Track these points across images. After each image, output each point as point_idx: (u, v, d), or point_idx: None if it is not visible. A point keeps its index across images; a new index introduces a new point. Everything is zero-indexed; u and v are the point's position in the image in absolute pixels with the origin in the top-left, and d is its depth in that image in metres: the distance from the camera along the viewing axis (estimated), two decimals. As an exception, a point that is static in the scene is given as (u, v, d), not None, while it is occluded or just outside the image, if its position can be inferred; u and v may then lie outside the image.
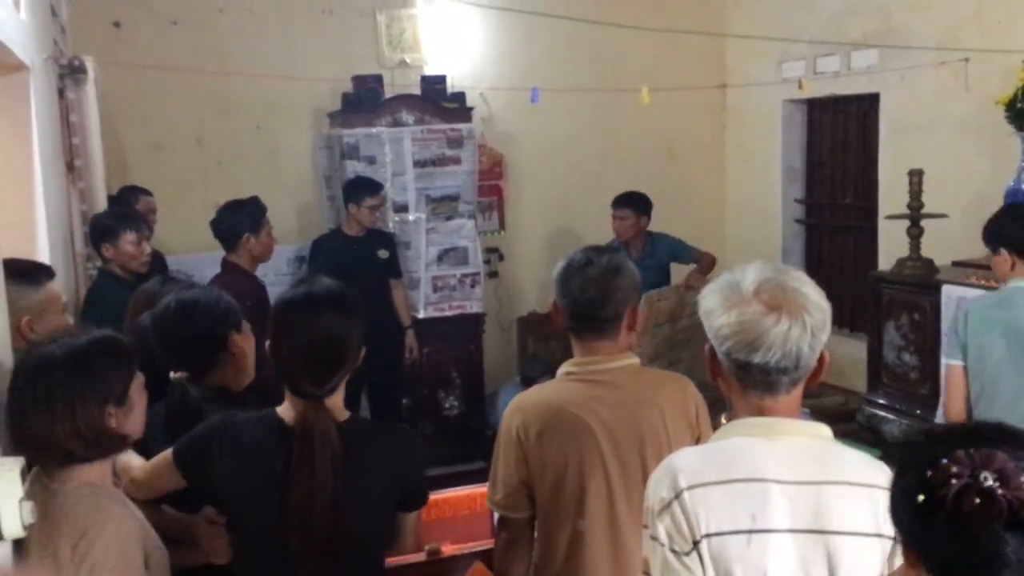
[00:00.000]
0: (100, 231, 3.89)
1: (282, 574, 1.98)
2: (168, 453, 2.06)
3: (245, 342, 2.37)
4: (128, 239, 3.86)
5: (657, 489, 1.56)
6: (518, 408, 2.24)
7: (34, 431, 1.78)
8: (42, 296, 2.53)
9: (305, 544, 1.94)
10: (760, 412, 1.58)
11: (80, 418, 1.78)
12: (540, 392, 2.29)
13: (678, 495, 1.52)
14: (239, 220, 4.21)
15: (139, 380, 1.91)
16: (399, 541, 2.18)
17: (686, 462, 1.58)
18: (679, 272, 5.75)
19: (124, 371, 1.87)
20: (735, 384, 1.60)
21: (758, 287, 1.54)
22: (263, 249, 4.31)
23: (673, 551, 1.51)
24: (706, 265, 5.62)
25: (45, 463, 1.82)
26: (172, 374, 2.29)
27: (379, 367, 5.01)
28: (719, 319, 1.55)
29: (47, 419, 1.77)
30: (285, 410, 2.02)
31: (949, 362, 3.22)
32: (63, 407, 1.77)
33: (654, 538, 1.54)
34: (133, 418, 1.89)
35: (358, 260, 5.27)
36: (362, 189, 5.36)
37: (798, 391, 1.59)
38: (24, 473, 1.66)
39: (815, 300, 1.55)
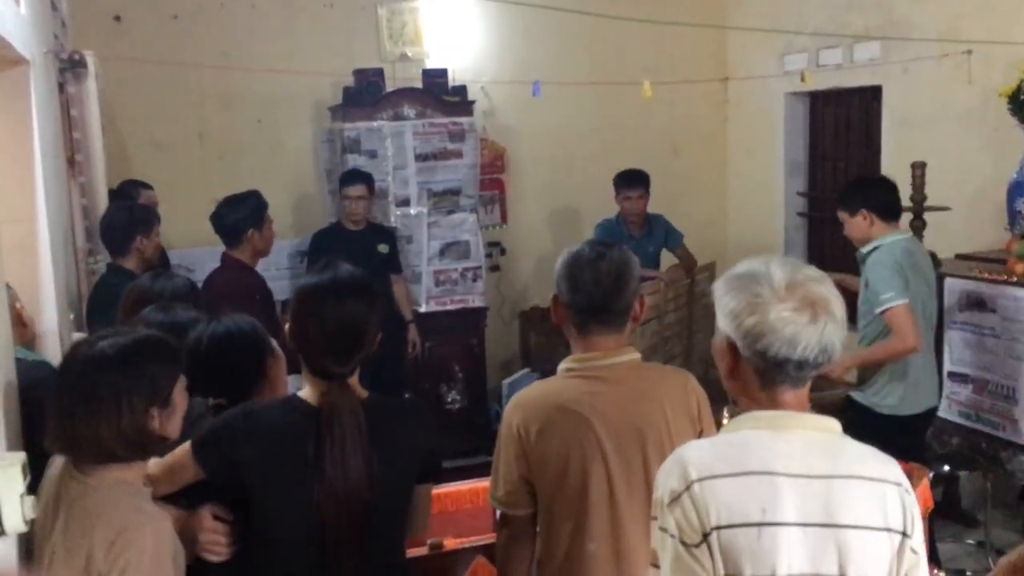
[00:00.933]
0: (138, 222, 3.87)
1: (317, 553, 2.01)
2: (186, 446, 2.06)
3: (278, 364, 2.38)
4: (158, 231, 3.94)
5: (667, 480, 1.56)
6: (518, 405, 2.24)
7: (79, 429, 1.77)
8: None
9: (339, 522, 1.98)
10: (777, 407, 1.59)
11: (126, 418, 1.78)
12: (540, 389, 2.29)
13: (689, 487, 1.52)
14: (243, 216, 4.19)
15: (182, 382, 1.91)
16: (415, 516, 2.20)
17: (696, 454, 1.58)
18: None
19: (171, 372, 1.87)
20: (756, 381, 1.60)
21: (788, 284, 1.55)
22: (266, 244, 4.30)
23: (683, 543, 1.51)
24: (689, 266, 5.68)
25: (83, 460, 1.81)
26: (210, 401, 2.28)
27: (381, 362, 4.99)
28: (751, 318, 1.55)
29: (93, 418, 1.76)
30: (307, 394, 2.06)
31: (903, 302, 3.56)
32: (110, 406, 1.77)
33: (664, 529, 1.54)
34: (174, 421, 1.89)
35: (358, 254, 5.21)
36: (344, 179, 5.34)
37: (809, 385, 1.62)
38: (25, 469, 1.66)
39: (837, 296, 1.59)
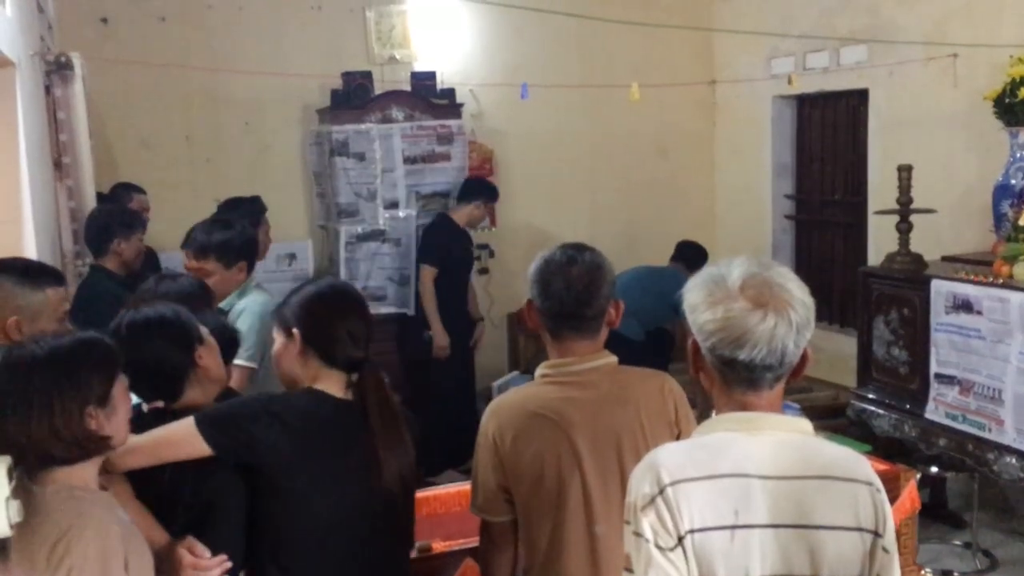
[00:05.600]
0: (118, 225, 3.90)
1: (347, 543, 2.10)
2: (187, 420, 2.04)
3: (211, 353, 2.27)
4: (139, 236, 3.98)
5: (640, 485, 1.55)
6: (494, 412, 2.23)
7: (11, 432, 1.74)
8: (38, 299, 2.46)
9: (374, 513, 2.12)
10: (743, 408, 1.59)
11: (58, 419, 1.75)
12: (515, 396, 2.28)
13: (662, 490, 1.52)
14: (239, 216, 4.21)
15: (123, 382, 1.89)
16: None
17: (669, 457, 1.57)
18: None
19: (106, 372, 1.85)
20: (718, 380, 1.60)
21: (744, 283, 1.54)
22: (261, 248, 4.31)
23: (658, 547, 1.51)
24: None
25: (25, 465, 1.78)
26: (144, 406, 2.21)
27: (462, 356, 5.52)
28: (704, 315, 1.55)
29: (23, 420, 1.74)
30: (329, 387, 2.15)
31: None
32: (40, 407, 1.74)
33: (638, 534, 1.53)
34: (117, 420, 1.86)
35: (467, 251, 5.66)
36: (493, 193, 5.72)
37: (780, 387, 1.60)
38: (11, 472, 1.64)
39: (799, 297, 1.55)
